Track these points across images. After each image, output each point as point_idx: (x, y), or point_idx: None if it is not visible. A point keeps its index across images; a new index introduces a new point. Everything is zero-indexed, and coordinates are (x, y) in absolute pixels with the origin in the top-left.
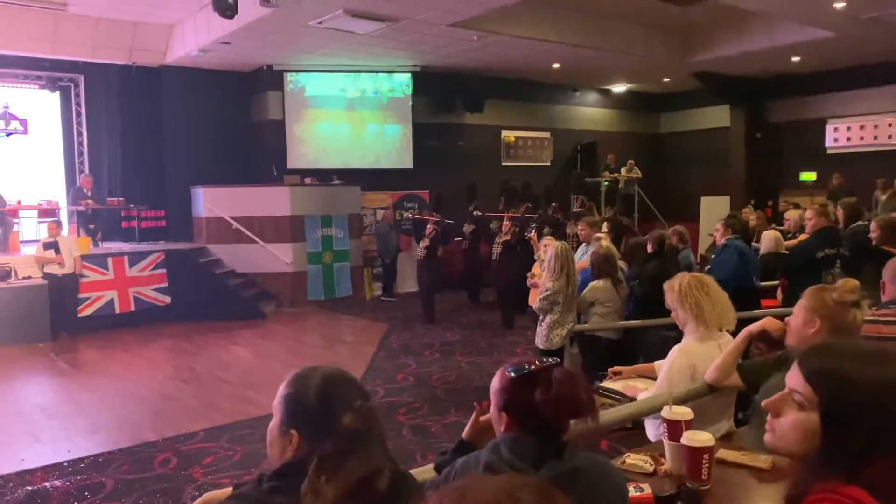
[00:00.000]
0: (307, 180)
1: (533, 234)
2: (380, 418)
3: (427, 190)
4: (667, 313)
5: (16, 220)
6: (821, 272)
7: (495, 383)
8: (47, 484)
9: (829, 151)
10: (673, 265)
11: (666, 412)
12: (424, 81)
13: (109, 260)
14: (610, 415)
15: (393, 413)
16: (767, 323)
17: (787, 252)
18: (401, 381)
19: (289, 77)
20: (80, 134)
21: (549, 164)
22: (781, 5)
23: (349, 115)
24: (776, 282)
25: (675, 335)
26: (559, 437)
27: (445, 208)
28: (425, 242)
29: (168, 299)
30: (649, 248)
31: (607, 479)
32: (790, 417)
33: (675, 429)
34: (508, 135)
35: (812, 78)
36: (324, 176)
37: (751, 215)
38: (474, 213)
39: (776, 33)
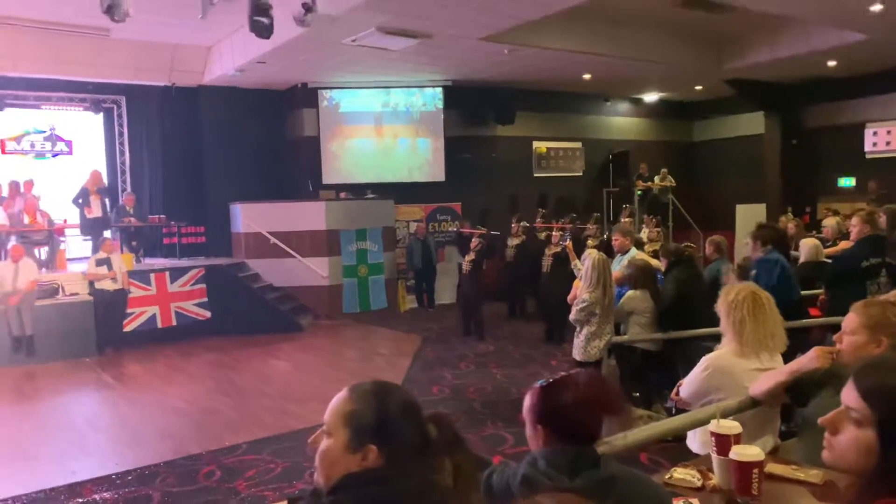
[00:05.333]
0: (342, 195)
1: (568, 243)
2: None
3: (459, 202)
4: (692, 322)
5: (62, 239)
6: (866, 282)
7: (527, 401)
8: (97, 496)
9: (868, 156)
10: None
11: (714, 426)
12: (455, 95)
13: (152, 276)
14: (655, 428)
15: None
16: (820, 361)
17: (827, 260)
18: (437, 394)
19: (324, 94)
20: (122, 153)
21: (580, 174)
22: (816, 10)
23: (382, 130)
24: (816, 291)
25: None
26: (593, 444)
27: (488, 221)
28: (471, 256)
29: (208, 314)
30: (663, 266)
31: (645, 490)
32: (848, 435)
33: (723, 443)
34: (540, 146)
35: (849, 82)
36: (358, 190)
37: (788, 223)
38: (521, 224)
39: (811, 38)
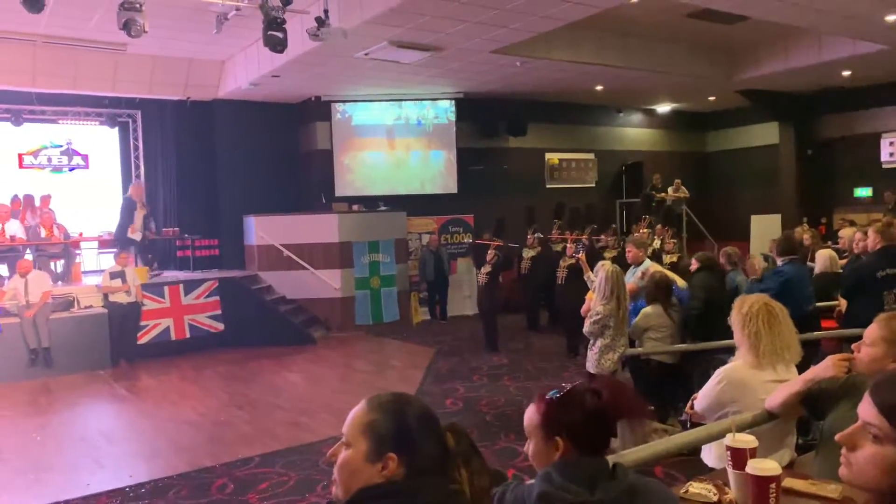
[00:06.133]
0: (354, 207)
1: (581, 256)
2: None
3: (472, 214)
4: (714, 331)
5: (78, 252)
6: (881, 293)
7: (535, 417)
8: None
9: (884, 166)
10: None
11: (729, 440)
12: (467, 107)
13: (166, 288)
14: (670, 442)
15: None
16: (835, 370)
17: (842, 271)
18: (450, 406)
19: (336, 107)
20: (137, 167)
21: (594, 185)
22: (829, 20)
23: (394, 142)
24: (832, 302)
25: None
26: (604, 453)
27: (502, 232)
28: (486, 268)
29: (221, 326)
30: (693, 267)
31: (664, 500)
32: (867, 452)
33: (739, 457)
34: (552, 157)
35: (864, 92)
36: (370, 203)
37: (804, 234)
38: (536, 236)
39: (825, 48)
